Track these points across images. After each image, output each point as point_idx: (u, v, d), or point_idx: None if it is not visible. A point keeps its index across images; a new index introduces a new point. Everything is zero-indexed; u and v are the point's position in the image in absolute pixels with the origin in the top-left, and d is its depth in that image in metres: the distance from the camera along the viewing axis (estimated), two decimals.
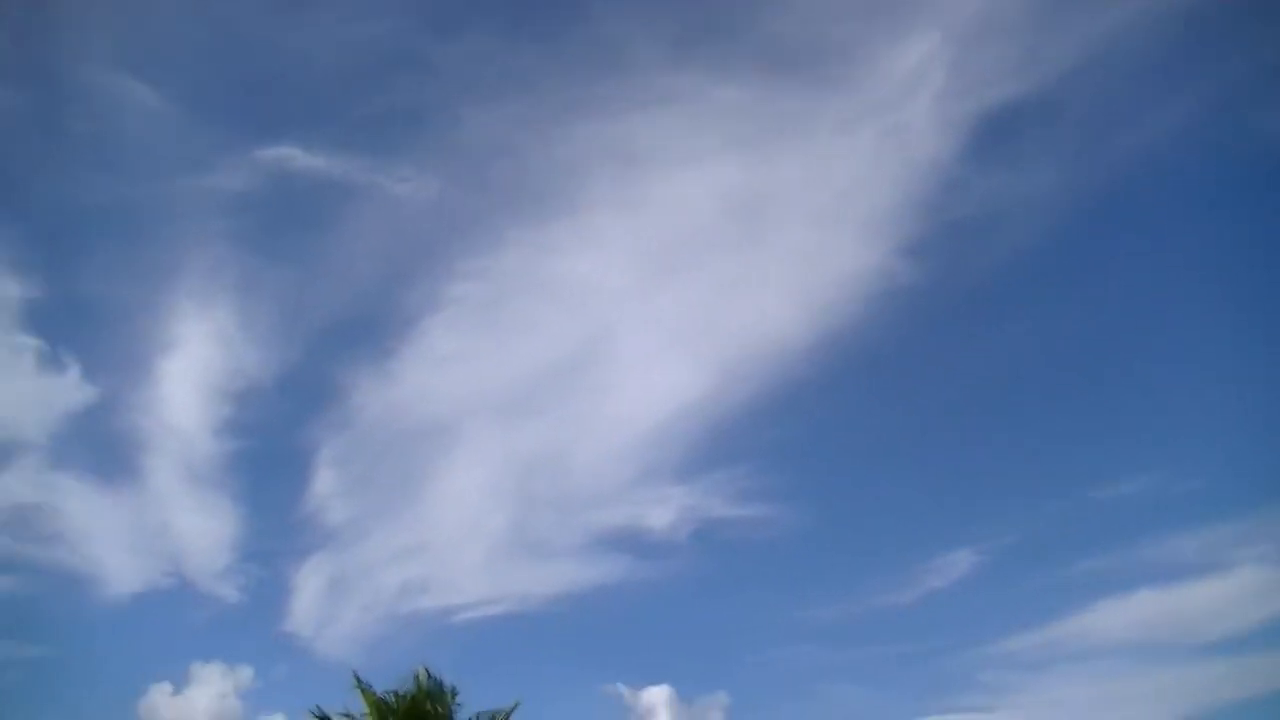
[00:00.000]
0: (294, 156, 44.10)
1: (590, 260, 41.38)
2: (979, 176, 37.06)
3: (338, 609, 48.92)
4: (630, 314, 43.97)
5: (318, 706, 11.31)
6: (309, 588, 50.50)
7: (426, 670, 11.08)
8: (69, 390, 49.31)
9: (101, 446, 53.46)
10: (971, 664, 44.63)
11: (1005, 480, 39.41)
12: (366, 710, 11.18)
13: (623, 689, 38.58)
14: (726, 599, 49.70)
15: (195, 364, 49.50)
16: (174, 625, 53.88)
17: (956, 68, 35.69)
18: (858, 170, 38.89)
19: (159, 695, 44.76)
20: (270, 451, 54.14)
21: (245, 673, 46.08)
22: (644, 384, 43.64)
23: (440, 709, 10.84)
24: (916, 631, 45.02)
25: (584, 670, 46.86)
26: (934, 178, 37.02)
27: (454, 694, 10.97)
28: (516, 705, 11.19)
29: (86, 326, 51.71)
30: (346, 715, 11.31)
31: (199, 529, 54.68)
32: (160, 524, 54.81)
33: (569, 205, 41.22)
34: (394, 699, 10.97)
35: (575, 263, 41.28)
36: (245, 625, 52.23)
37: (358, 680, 11.30)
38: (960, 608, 43.97)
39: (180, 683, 46.03)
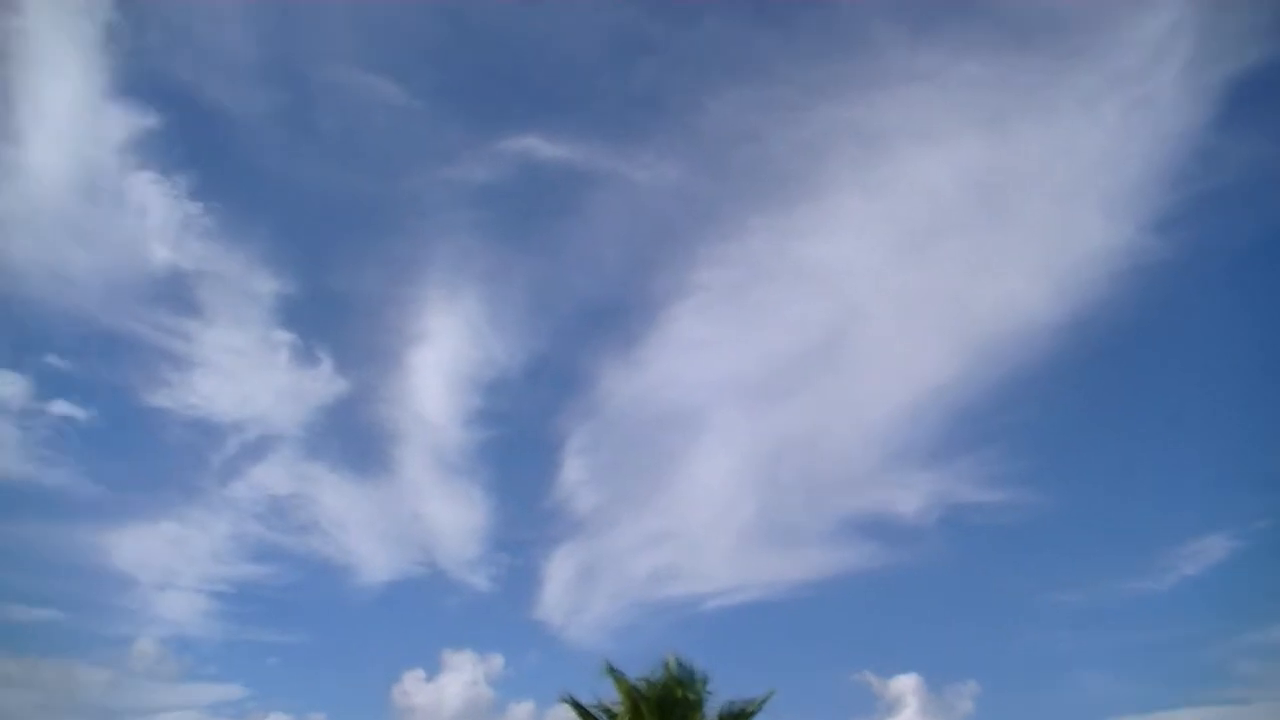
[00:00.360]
0: (537, 146, 44.97)
1: (835, 243, 40.94)
2: (1233, 144, 35.03)
3: (587, 597, 49.73)
4: (876, 296, 43.31)
5: (569, 693, 11.45)
6: (558, 576, 51.46)
7: (677, 658, 11.05)
8: (322, 383, 51.46)
9: (354, 438, 55.60)
10: (1227, 654, 42.36)
11: (1261, 462, 37.36)
12: (619, 697, 11.23)
13: (871, 677, 38.12)
14: (974, 585, 48.54)
15: (444, 355, 51.00)
16: (426, 613, 55.59)
17: (1205, 33, 33.80)
18: (1103, 144, 37.36)
19: (412, 681, 46.29)
20: (519, 440, 55.42)
21: (496, 660, 47.25)
22: (890, 367, 42.99)
23: (692, 696, 10.78)
24: (1168, 619, 43.05)
25: (832, 658, 46.46)
26: (1184, 149, 35.23)
27: (704, 681, 10.92)
28: (770, 695, 11.07)
29: (338, 320, 53.80)
30: (598, 703, 11.41)
31: (450, 518, 56.29)
32: (412, 513, 56.67)
33: (812, 188, 40.84)
34: (645, 686, 10.98)
35: (820, 246, 40.90)
36: (496, 613, 53.56)
37: (609, 667, 11.36)
38: (1214, 594, 41.83)
39: (433, 669, 47.47)
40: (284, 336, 51.31)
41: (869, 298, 43.66)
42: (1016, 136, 40.82)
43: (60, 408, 53.88)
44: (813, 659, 45.67)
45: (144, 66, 39.87)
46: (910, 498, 44.81)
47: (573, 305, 50.28)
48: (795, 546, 47.83)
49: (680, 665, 10.98)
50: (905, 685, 36.40)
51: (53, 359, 54.94)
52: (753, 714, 10.92)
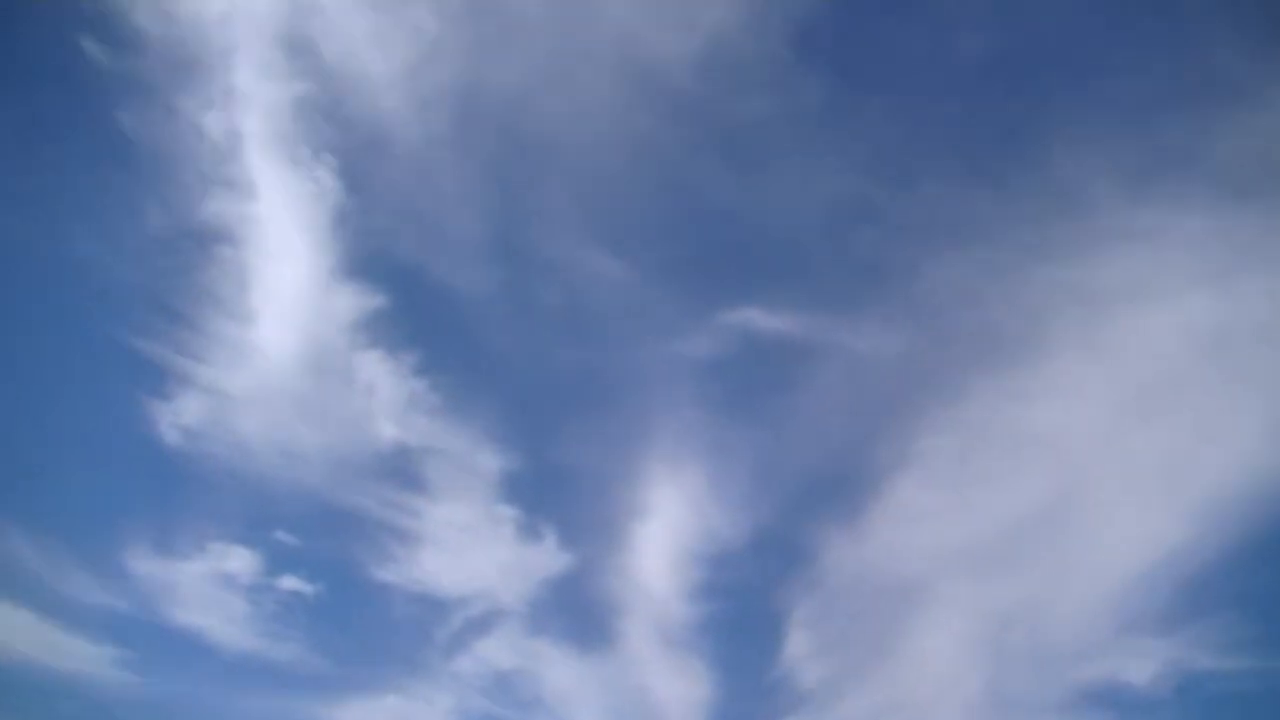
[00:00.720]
0: (757, 319, 45.05)
1: (1058, 406, 39.74)
2: None
3: None
4: (1102, 460, 41.70)
5: None
6: None
7: None
8: (546, 558, 51.63)
9: (578, 612, 55.47)
10: None
11: None
12: None
13: None
14: None
15: (667, 528, 50.77)
16: None
17: None
18: None
19: None
20: (743, 614, 54.49)
21: None
22: (1118, 532, 41.06)
23: None
24: None
25: None
26: None
27: None
28: None
29: (561, 495, 54.13)
30: None
31: (673, 692, 55.49)
32: (636, 687, 55.95)
33: (1033, 351, 39.92)
34: None
35: (1043, 409, 39.77)
36: None
37: None
38: None
39: None
40: (508, 512, 51.74)
41: (1094, 461, 42.09)
42: (1241, 291, 39.30)
43: (289, 583, 55.06)
44: None
45: (371, 248, 41.47)
46: (1143, 666, 42.44)
47: (795, 477, 49.65)
48: (1024, 718, 45.60)
49: None
50: None
51: (282, 535, 56.32)
52: None
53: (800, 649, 45.10)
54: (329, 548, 52.77)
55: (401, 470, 50.90)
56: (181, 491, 53.65)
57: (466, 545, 51.11)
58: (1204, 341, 38.81)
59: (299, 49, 36.52)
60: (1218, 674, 41.32)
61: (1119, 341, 39.09)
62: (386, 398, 46.82)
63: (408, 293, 45.95)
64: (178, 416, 46.49)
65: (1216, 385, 39.40)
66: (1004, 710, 43.01)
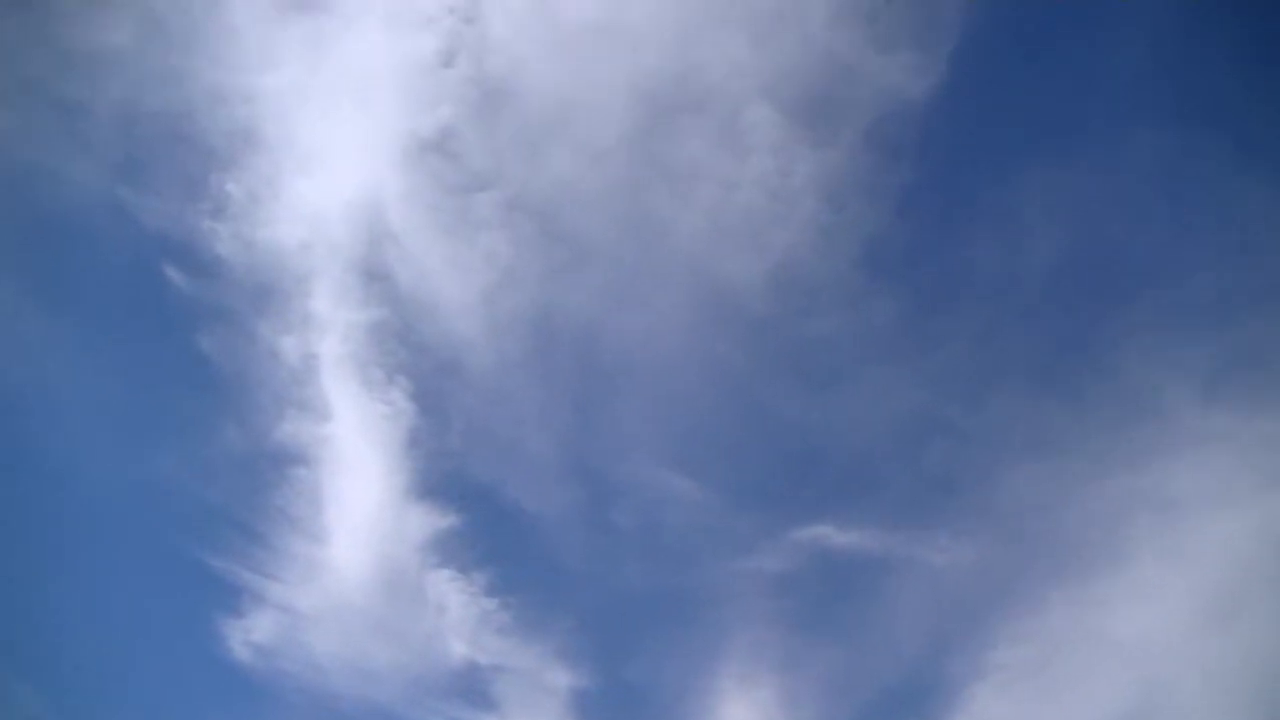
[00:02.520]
0: (830, 535, 44.82)
1: (1136, 613, 39.05)
2: None
3: None
4: (1181, 666, 40.72)
5: None
6: None
7: None
8: None
9: None
10: None
11: None
12: None
13: None
14: None
15: None
16: None
17: None
18: None
19: None
20: None
21: None
22: None
23: None
24: None
25: None
26: None
27: None
28: None
29: (633, 712, 53.41)
30: None
31: None
32: None
33: (1109, 558, 39.43)
34: None
35: (1120, 617, 39.09)
36: None
37: None
38: None
39: None
40: None
41: (1174, 668, 41.09)
42: None
43: None
44: None
45: (444, 468, 41.85)
46: None
47: (869, 690, 48.76)
48: None
49: None
50: None
51: None
52: None
53: None
54: None
55: (471, 688, 50.36)
56: (253, 708, 53.14)
57: None
58: None
59: (375, 275, 37.38)
60: None
61: (1196, 547, 38.53)
62: (457, 616, 46.60)
63: (480, 513, 46.10)
64: (250, 634, 46.39)
65: None
66: None
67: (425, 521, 46.01)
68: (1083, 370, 39.11)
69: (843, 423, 40.02)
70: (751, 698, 46.29)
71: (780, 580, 46.27)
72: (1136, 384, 38.75)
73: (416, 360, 38.88)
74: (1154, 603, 39.27)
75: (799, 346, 39.46)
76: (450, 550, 47.01)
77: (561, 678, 47.41)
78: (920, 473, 41.55)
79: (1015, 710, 43.34)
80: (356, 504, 44.61)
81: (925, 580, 44.39)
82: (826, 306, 38.65)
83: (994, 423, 40.44)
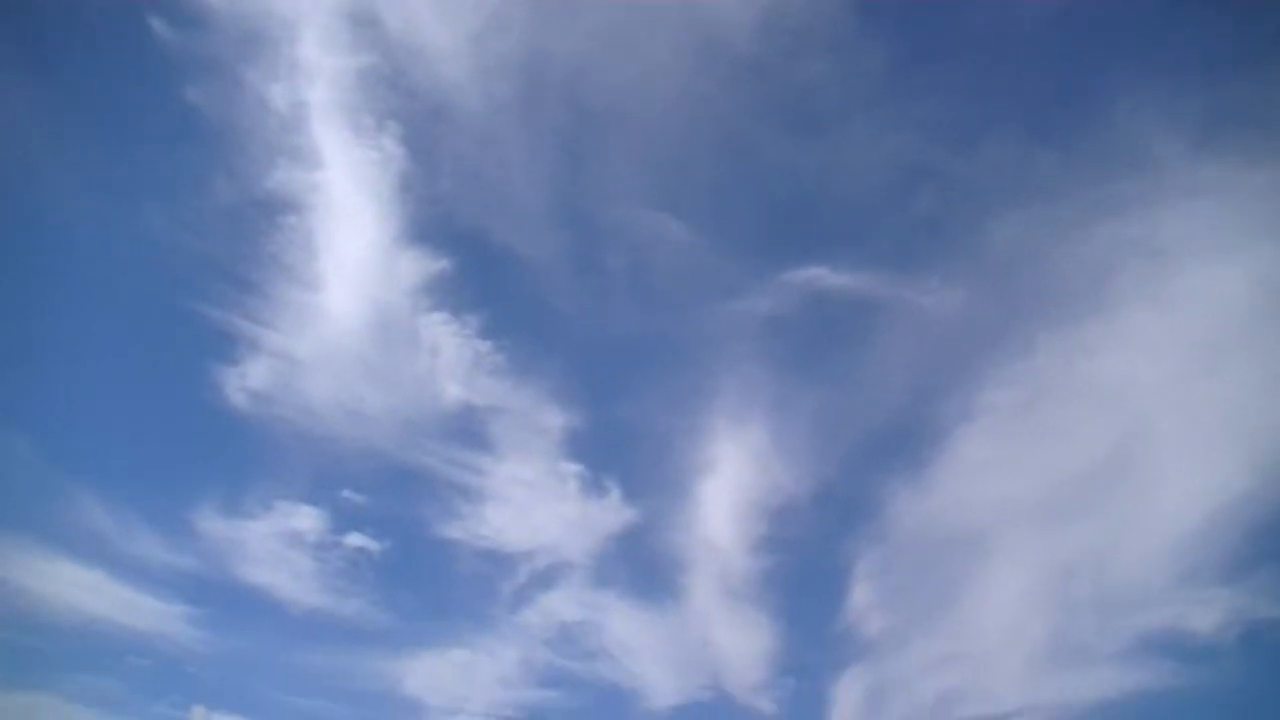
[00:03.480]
0: (822, 276, 45.16)
1: (1123, 359, 39.63)
2: None
3: None
4: (1166, 411, 41.53)
5: None
6: (846, 700, 50.52)
7: None
8: (610, 513, 52.26)
9: (642, 565, 56.26)
10: None
11: None
12: None
13: None
14: (1276, 705, 45.40)
15: (731, 484, 51.21)
16: None
17: None
18: None
19: None
20: (807, 566, 54.99)
21: None
22: (1183, 483, 40.97)
23: None
24: None
25: None
26: None
27: None
28: None
29: (625, 451, 54.67)
30: None
31: (737, 643, 56.14)
32: (699, 639, 56.66)
33: (1098, 305, 39.82)
34: None
35: (1108, 362, 39.68)
36: None
37: None
38: None
39: None
40: (572, 468, 52.39)
41: (1159, 413, 41.91)
42: None
43: (355, 540, 55.99)
44: None
45: (435, 213, 41.96)
46: (1207, 615, 42.49)
47: (859, 431, 49.90)
48: (1086, 667, 45.80)
49: None
50: None
51: (349, 494, 57.22)
52: None
53: (863, 600, 45.49)
54: (395, 506, 53.54)
55: (466, 429, 51.49)
56: (249, 453, 54.44)
57: (531, 501, 51.71)
58: (1269, 294, 38.53)
59: (363, 21, 36.71)
60: None
61: (1184, 295, 38.86)
62: (451, 359, 47.36)
63: (472, 257, 46.33)
64: (245, 381, 47.18)
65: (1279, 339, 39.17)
66: (1067, 659, 43.22)
67: (417, 266, 46.30)
68: (1074, 120, 38.74)
69: (833, 167, 39.84)
70: (742, 437, 47.32)
71: (771, 322, 46.82)
72: (1128, 134, 38.42)
73: (406, 106, 38.39)
74: (1141, 349, 39.82)
75: (789, 90, 38.95)
76: (442, 294, 47.41)
77: (555, 418, 48.36)
78: (911, 217, 41.58)
79: (1002, 452, 44.42)
80: (349, 250, 44.83)
81: (915, 324, 44.95)
82: (817, 50, 37.99)
83: (985, 169, 40.27)
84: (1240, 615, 39.81)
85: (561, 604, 51.68)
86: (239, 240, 42.63)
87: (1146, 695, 42.74)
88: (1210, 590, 41.67)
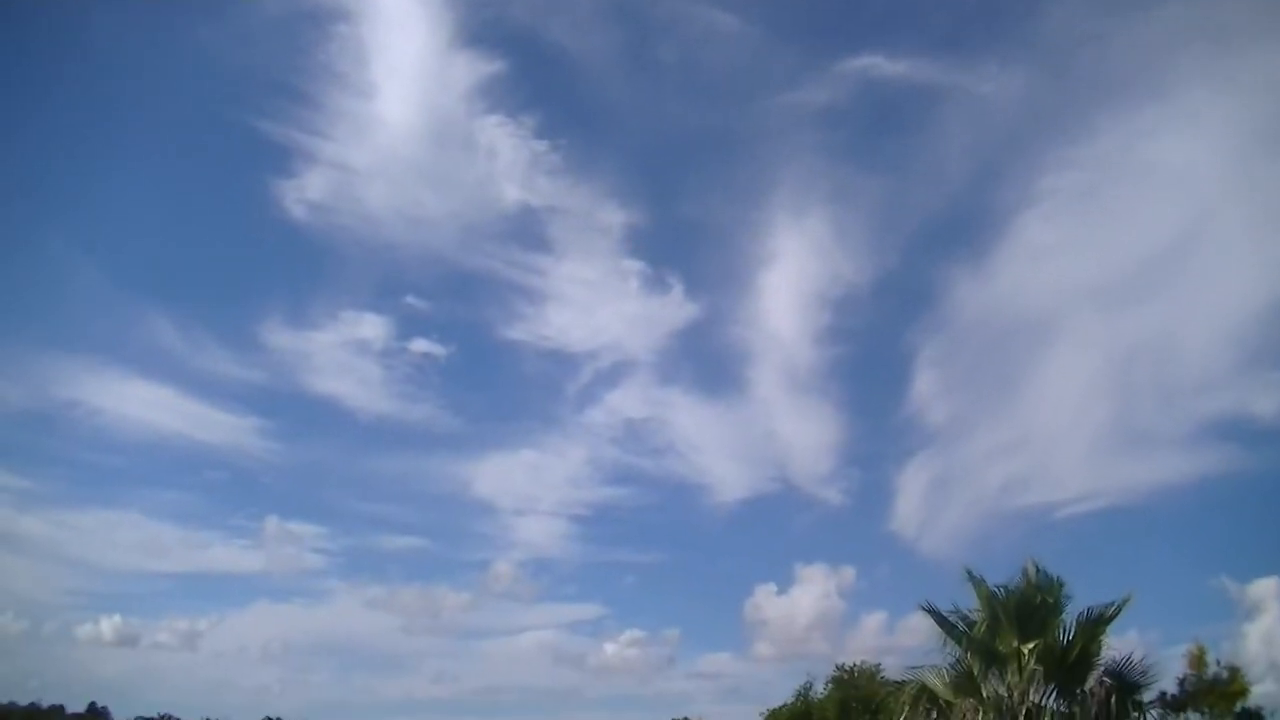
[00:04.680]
0: (877, 65, 44.91)
1: (1184, 141, 39.28)
2: None
3: (940, 508, 50.04)
4: (1229, 194, 41.25)
5: (928, 602, 11.75)
6: (911, 489, 51.93)
7: (1035, 564, 11.20)
8: (673, 309, 53.21)
9: (706, 360, 57.49)
10: None
11: None
12: (976, 604, 11.48)
13: (1228, 582, 36.75)
14: None
15: (793, 275, 51.77)
16: (779, 529, 57.23)
17: None
18: None
19: (763, 595, 47.81)
20: (870, 356, 55.94)
21: (848, 573, 48.27)
22: (1245, 266, 40.86)
23: (1050, 601, 10.95)
24: None
25: (1187, 564, 45.27)
26: None
27: (1062, 587, 11.02)
28: (1129, 600, 11.07)
29: (686, 247, 55.32)
30: (955, 610, 11.67)
31: (802, 435, 57.52)
32: (765, 432, 58.12)
33: (1158, 88, 39.37)
34: (1003, 593, 11.19)
35: (1169, 145, 39.38)
36: (848, 527, 54.67)
37: (970, 574, 11.63)
38: None
39: (784, 583, 48.95)
40: (634, 266, 53.51)
41: (1222, 196, 41.64)
42: None
43: (420, 346, 57.69)
44: (1167, 565, 44.60)
45: (486, 15, 42.02)
46: (1269, 399, 42.95)
47: (920, 220, 50.16)
48: (1149, 451, 46.60)
49: (1039, 571, 11.12)
50: (1267, 589, 34.91)
51: (412, 300, 58.82)
52: (1111, 619, 10.98)
53: (927, 388, 46.29)
54: (458, 310, 54.78)
55: (526, 230, 52.28)
56: (311, 265, 55.75)
57: (594, 300, 52.72)
58: None
59: None
60: None
61: (1247, 77, 38.18)
62: (508, 160, 47.85)
63: (525, 57, 46.47)
64: (304, 192, 48.06)
65: None
66: (1130, 443, 43.84)
67: (471, 69, 46.48)
68: None
69: None
70: (802, 229, 47.60)
71: (827, 113, 46.66)
72: None
73: None
74: (1203, 132, 39.39)
75: None
76: (497, 96, 47.69)
77: (614, 216, 49.01)
78: (966, 3, 40.84)
79: (1064, 237, 44.45)
80: (401, 56, 45.00)
81: (973, 110, 44.61)
82: None
83: None
84: None
85: (627, 402, 53.02)
86: (291, 51, 42.94)
87: (1208, 479, 43.44)
88: (1272, 374, 41.76)
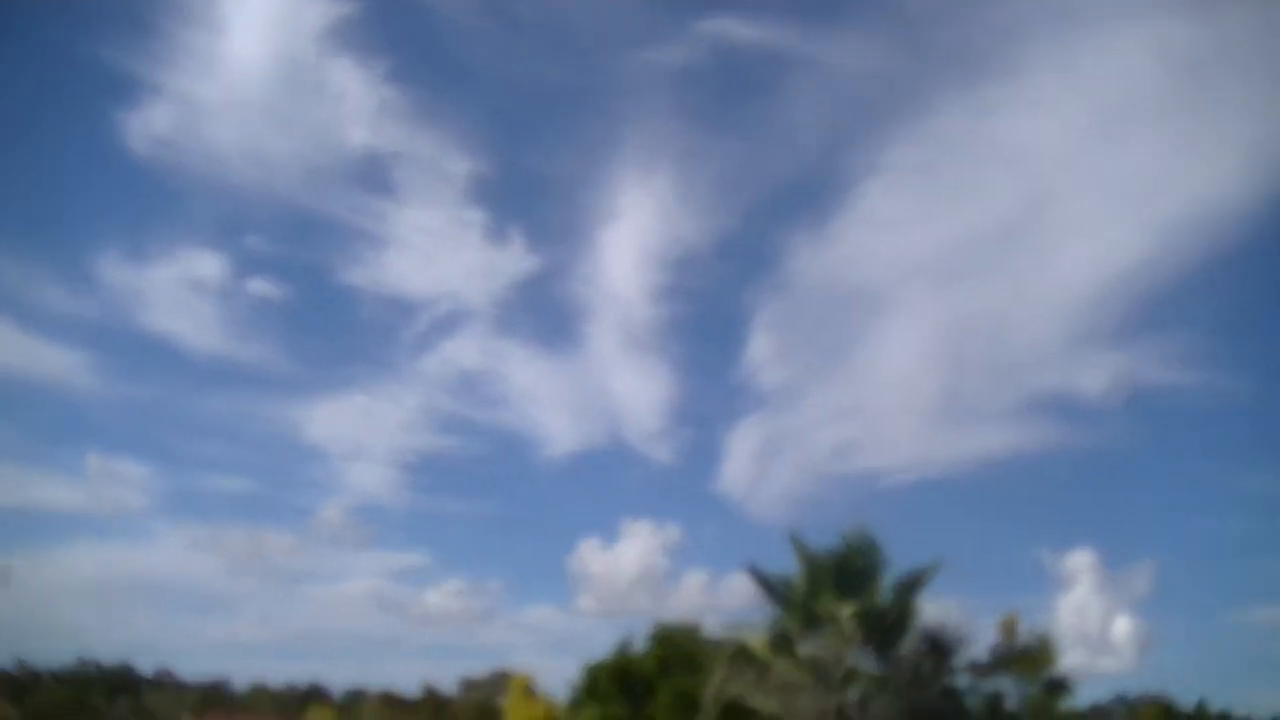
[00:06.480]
0: (734, 29, 44.83)
1: (1029, 122, 40.16)
2: None
3: (769, 471, 50.69)
4: (1069, 176, 42.47)
5: (751, 562, 11.78)
6: (741, 450, 52.49)
7: (856, 528, 11.28)
8: (513, 260, 52.79)
9: (544, 313, 57.19)
10: None
11: None
12: (798, 566, 11.53)
13: (1044, 554, 38.05)
14: (1157, 465, 48.07)
15: (635, 233, 51.73)
16: (607, 484, 57.36)
17: None
18: None
19: (588, 549, 47.98)
20: (707, 317, 56.26)
21: (673, 530, 48.64)
22: (1080, 248, 42.18)
23: (870, 565, 11.05)
24: None
25: (1008, 534, 46.71)
26: None
27: (881, 549, 11.13)
28: (939, 565, 11.27)
29: (531, 199, 54.75)
30: (776, 573, 11.70)
31: (636, 392, 57.64)
32: (599, 387, 58.15)
33: (1007, 67, 40.12)
34: (824, 556, 11.25)
35: (1014, 124, 40.22)
36: (676, 485, 55.04)
37: (793, 536, 11.68)
38: None
39: (610, 538, 48.99)
40: (476, 215, 52.83)
41: (1061, 178, 42.83)
42: (1220, 17, 39.18)
43: (258, 286, 56.21)
44: (989, 534, 45.92)
45: None
46: (1095, 377, 44.45)
47: (765, 184, 50.45)
48: (976, 424, 47.85)
49: (860, 536, 11.21)
50: (1080, 561, 36.20)
51: (252, 240, 57.19)
52: (924, 583, 11.14)
53: (762, 351, 46.70)
54: (298, 252, 53.47)
55: (371, 175, 51.21)
56: (151, 200, 53.76)
57: (435, 248, 51.92)
58: (1178, 64, 38.89)
59: None
60: (1167, 388, 43.15)
61: (1092, 61, 39.21)
62: (357, 104, 46.73)
63: (380, 1, 45.09)
64: (147, 126, 46.26)
65: (1187, 108, 39.69)
66: (958, 415, 44.89)
67: (323, 10, 45.16)
68: None
69: None
70: (648, 187, 47.52)
71: (681, 74, 46.57)
72: None
73: None
74: (1047, 113, 40.39)
75: None
76: (349, 38, 46.47)
77: (461, 165, 48.26)
78: None
79: (905, 210, 45.22)
80: None
81: (824, 79, 44.99)
82: None
83: None
84: (1127, 378, 41.36)
85: (463, 351, 52.43)
86: None
87: (1033, 453, 44.79)
88: (1099, 354, 43.18)
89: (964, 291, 44.99)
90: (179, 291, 54.56)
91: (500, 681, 38.81)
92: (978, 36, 41.60)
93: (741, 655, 11.34)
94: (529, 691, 31.52)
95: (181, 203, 56.45)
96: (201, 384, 63.17)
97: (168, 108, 49.43)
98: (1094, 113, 41.17)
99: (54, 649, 55.27)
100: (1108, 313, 43.77)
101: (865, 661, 10.99)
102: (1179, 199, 40.24)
